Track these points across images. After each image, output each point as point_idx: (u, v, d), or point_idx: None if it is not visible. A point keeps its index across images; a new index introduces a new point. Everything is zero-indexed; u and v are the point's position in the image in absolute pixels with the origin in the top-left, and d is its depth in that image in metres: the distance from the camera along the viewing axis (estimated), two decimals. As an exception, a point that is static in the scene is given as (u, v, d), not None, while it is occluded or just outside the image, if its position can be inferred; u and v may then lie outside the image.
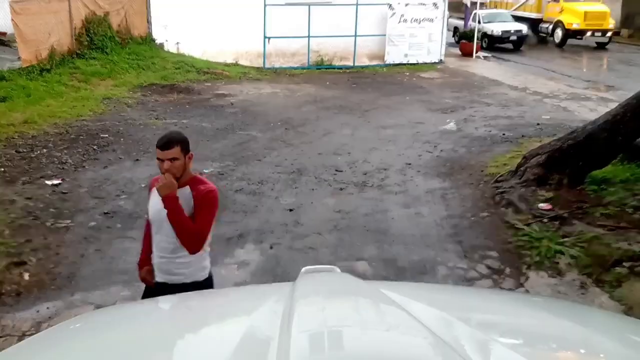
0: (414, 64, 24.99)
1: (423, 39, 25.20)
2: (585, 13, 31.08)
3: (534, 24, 35.41)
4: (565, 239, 7.66)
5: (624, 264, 6.94)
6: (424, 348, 1.88)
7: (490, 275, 7.15)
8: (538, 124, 14.91)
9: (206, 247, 4.43)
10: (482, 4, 31.46)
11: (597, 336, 2.39)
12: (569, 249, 7.40)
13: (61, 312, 6.17)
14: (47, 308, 6.24)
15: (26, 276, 6.80)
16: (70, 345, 2.27)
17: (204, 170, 10.56)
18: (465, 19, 32.71)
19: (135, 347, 2.15)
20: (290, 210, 9.11)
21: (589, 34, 31.25)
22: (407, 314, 2.14)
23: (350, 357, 1.79)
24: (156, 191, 4.19)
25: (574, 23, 31.37)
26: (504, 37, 32.08)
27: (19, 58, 16.67)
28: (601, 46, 32.08)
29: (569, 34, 32.16)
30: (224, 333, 2.24)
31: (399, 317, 2.16)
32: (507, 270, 7.24)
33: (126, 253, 7.50)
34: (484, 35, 31.19)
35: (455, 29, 33.65)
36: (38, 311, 6.18)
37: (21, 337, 5.66)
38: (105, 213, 8.69)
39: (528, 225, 8.22)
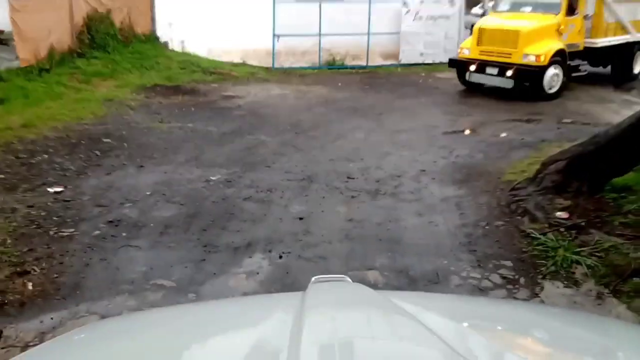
0: (429, 63, 25.02)
1: (439, 37, 25.25)
2: (481, 31, 19.47)
3: None
4: (582, 249, 7.76)
5: (642, 274, 7.07)
6: (437, 359, 1.92)
7: (505, 285, 7.26)
8: (559, 128, 15.00)
9: None
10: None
11: (614, 348, 2.43)
12: (586, 259, 7.51)
13: (65, 323, 6.30)
14: (51, 318, 6.39)
15: (30, 286, 6.95)
16: (75, 356, 2.32)
17: (211, 178, 10.75)
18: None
19: (141, 358, 2.21)
20: (301, 218, 9.24)
21: (472, 67, 19.37)
22: (419, 325, 2.17)
23: None
24: None
25: (465, 49, 20.13)
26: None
27: (17, 57, 16.79)
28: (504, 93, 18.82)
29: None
30: (232, 343, 2.27)
31: (411, 327, 2.19)
32: (522, 280, 7.34)
33: (132, 262, 7.68)
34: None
35: (473, 26, 33.59)
36: (42, 321, 6.32)
37: (24, 347, 5.81)
38: (109, 222, 8.83)
39: (544, 234, 8.31)
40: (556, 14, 18.95)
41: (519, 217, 9.12)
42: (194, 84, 19.25)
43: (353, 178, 11.12)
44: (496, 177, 11.04)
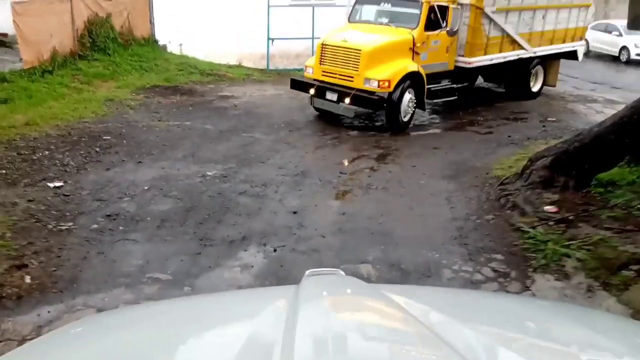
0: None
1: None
2: (323, 48, 15.19)
3: None
4: (572, 242, 7.64)
5: (631, 267, 6.92)
6: (429, 352, 1.87)
7: (496, 278, 7.14)
8: (544, 126, 14.95)
9: None
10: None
11: (604, 340, 2.38)
12: (575, 252, 7.39)
13: (62, 316, 6.15)
14: (49, 312, 6.23)
15: (27, 279, 6.79)
16: (72, 349, 2.23)
17: (207, 173, 10.58)
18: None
19: (137, 350, 2.14)
20: (294, 212, 9.11)
21: (312, 91, 15.23)
22: (411, 317, 2.14)
23: None
24: None
25: (309, 68, 15.74)
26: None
27: (21, 59, 16.71)
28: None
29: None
30: (227, 336, 2.22)
31: (403, 320, 2.15)
32: (513, 273, 7.23)
33: (128, 256, 7.52)
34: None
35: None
36: (39, 315, 6.16)
37: (22, 341, 5.65)
38: (107, 216, 8.67)
39: (534, 228, 8.21)
40: (412, 29, 14.80)
41: (508, 211, 9.05)
42: (192, 85, 19.12)
43: (345, 173, 11.00)
44: (485, 172, 11.00)
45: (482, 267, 7.38)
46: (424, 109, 15.46)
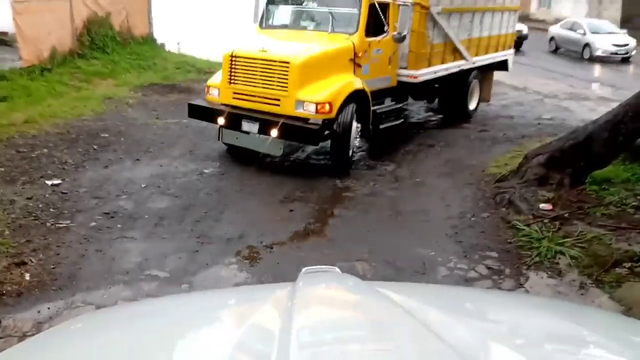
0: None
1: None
2: (234, 61, 11.21)
3: None
4: (566, 239, 7.64)
5: (624, 264, 6.93)
6: (424, 349, 1.84)
7: (490, 275, 7.14)
8: (539, 124, 14.98)
9: None
10: None
11: (596, 337, 2.35)
12: (569, 250, 7.38)
13: (62, 313, 6.13)
14: (48, 308, 6.20)
15: (27, 276, 6.76)
16: (71, 346, 2.22)
17: (205, 171, 10.57)
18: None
19: (135, 347, 2.12)
20: (291, 210, 9.10)
21: (221, 121, 11.03)
22: (406, 314, 2.12)
23: (351, 359, 1.76)
24: None
25: (213, 89, 11.69)
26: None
27: (20, 58, 16.67)
28: None
29: None
30: (223, 334, 2.20)
31: (398, 317, 2.13)
32: (507, 270, 7.23)
33: (127, 254, 7.49)
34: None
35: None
36: (39, 311, 6.14)
37: (22, 337, 5.62)
38: (105, 213, 8.64)
39: (529, 225, 8.20)
40: (351, 34, 11.40)
41: (503, 209, 9.04)
42: (189, 83, 19.05)
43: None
44: (480, 170, 11.03)
45: (476, 265, 7.38)
46: (370, 138, 12.35)
